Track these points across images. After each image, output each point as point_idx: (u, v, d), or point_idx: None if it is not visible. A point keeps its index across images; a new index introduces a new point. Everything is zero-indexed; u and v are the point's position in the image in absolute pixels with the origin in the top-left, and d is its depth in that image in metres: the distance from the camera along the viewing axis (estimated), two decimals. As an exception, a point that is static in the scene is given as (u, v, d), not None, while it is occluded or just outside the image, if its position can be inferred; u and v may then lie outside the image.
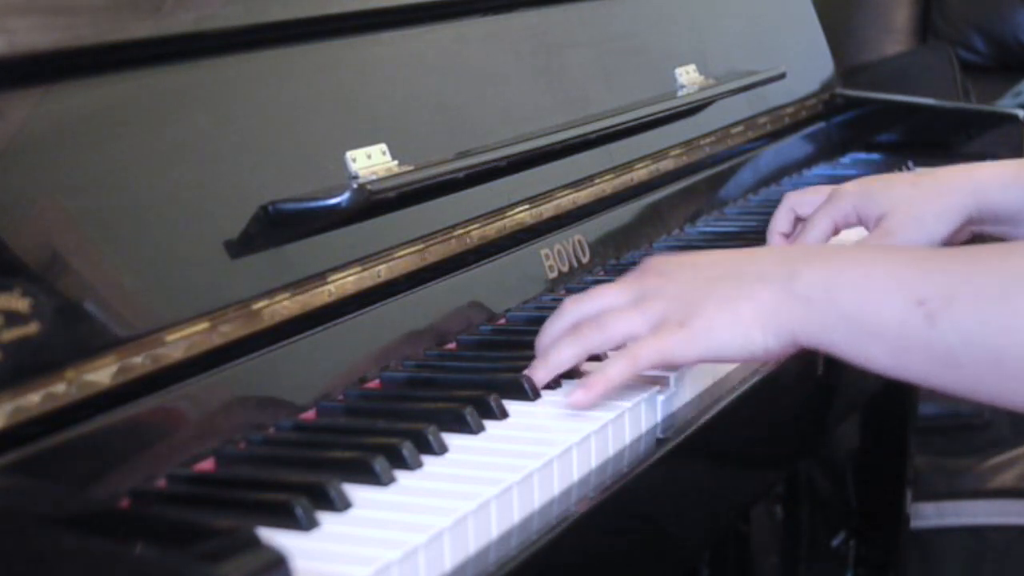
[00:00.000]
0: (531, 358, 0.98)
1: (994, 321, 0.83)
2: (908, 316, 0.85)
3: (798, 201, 1.27)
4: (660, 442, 0.93)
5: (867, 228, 1.24)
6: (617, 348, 0.96)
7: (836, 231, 1.25)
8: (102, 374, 0.82)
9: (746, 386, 1.02)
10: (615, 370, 0.91)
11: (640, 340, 0.92)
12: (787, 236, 1.28)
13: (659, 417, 0.97)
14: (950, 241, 1.24)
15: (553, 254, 1.22)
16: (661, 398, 0.97)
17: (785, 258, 0.93)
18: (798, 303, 0.89)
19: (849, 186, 1.26)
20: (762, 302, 0.90)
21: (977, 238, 1.27)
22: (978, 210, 1.20)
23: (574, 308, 0.97)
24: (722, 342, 0.90)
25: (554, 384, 0.97)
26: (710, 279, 0.93)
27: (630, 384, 0.95)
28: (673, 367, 0.96)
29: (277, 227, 0.97)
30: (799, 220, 1.28)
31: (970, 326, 0.84)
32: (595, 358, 1.00)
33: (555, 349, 0.95)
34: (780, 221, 1.28)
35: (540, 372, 0.96)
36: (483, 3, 1.28)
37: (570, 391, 0.93)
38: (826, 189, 1.27)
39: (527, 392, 0.95)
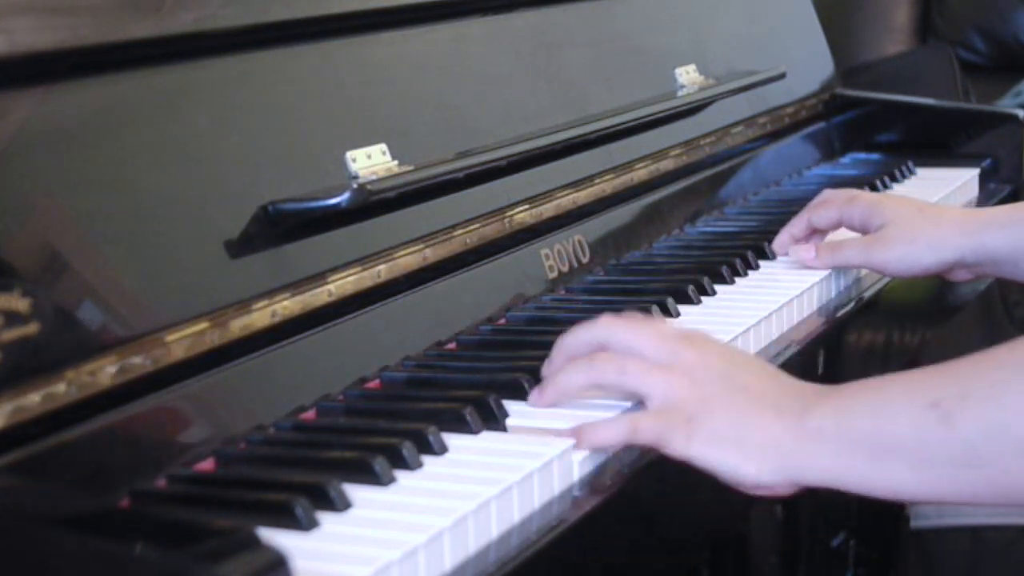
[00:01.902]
0: (531, 358, 0.98)
1: (1012, 408, 0.81)
2: (924, 422, 0.82)
3: (815, 214, 1.31)
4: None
5: (866, 234, 1.28)
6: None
7: (839, 225, 1.30)
8: (102, 374, 0.82)
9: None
10: (613, 433, 0.88)
11: (646, 418, 0.89)
12: (797, 241, 1.32)
13: (659, 417, 0.96)
14: (940, 275, 1.27)
15: (553, 254, 1.22)
16: (661, 398, 0.96)
17: (801, 392, 0.89)
18: (809, 439, 0.86)
19: (866, 195, 1.31)
20: (769, 434, 0.86)
21: (979, 279, 1.31)
22: (972, 250, 1.23)
23: (608, 329, 0.94)
24: (715, 460, 0.87)
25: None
26: (734, 387, 0.89)
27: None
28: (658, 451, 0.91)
29: (277, 227, 0.97)
30: (814, 232, 1.32)
31: (988, 418, 0.81)
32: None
33: (567, 373, 0.93)
34: (796, 227, 1.32)
35: (548, 395, 0.93)
36: (483, 3, 1.28)
37: (574, 428, 0.89)
38: (841, 197, 1.31)
39: (527, 392, 0.95)
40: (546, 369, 0.96)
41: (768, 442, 0.86)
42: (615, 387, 0.91)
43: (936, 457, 0.82)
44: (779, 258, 1.33)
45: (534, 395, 0.95)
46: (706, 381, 0.89)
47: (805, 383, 0.90)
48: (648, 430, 0.88)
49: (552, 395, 0.94)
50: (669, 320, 1.14)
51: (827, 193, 1.33)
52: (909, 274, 1.26)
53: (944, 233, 1.23)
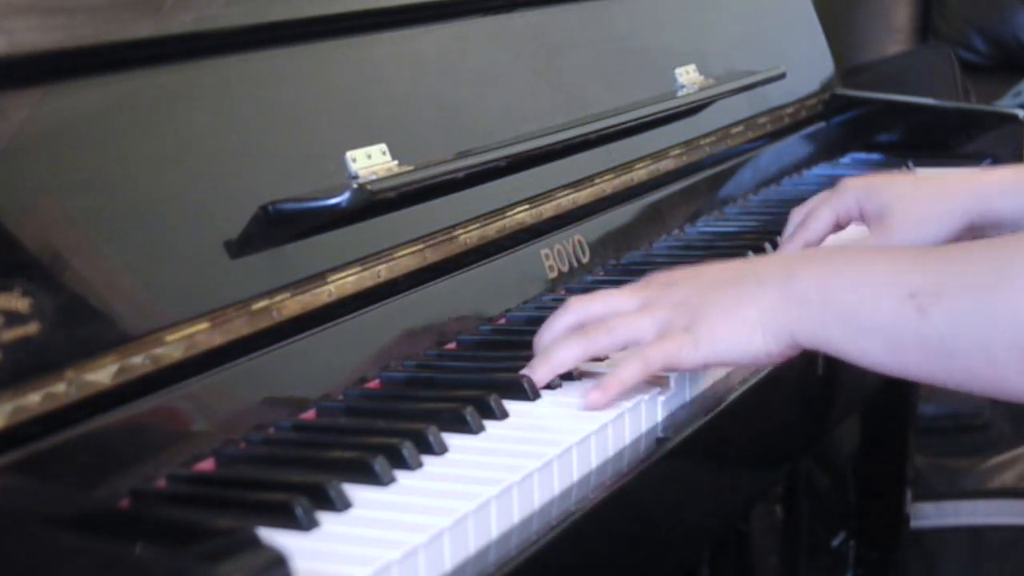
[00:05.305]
0: (531, 358, 0.98)
1: (982, 311, 0.85)
2: (901, 310, 0.87)
3: (810, 232, 1.25)
4: (660, 442, 0.93)
5: (868, 224, 1.25)
6: (619, 351, 0.97)
7: (838, 224, 1.26)
8: (102, 374, 0.82)
9: (746, 386, 1.02)
10: (628, 372, 0.93)
11: (649, 344, 0.93)
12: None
13: (659, 417, 0.97)
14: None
15: (553, 254, 1.22)
16: (662, 398, 0.97)
17: (784, 261, 0.95)
18: (796, 304, 0.91)
19: (853, 181, 1.28)
20: (762, 305, 0.92)
21: None
22: (980, 215, 1.21)
23: (578, 308, 0.98)
24: (726, 347, 0.92)
25: (554, 384, 0.97)
26: (713, 286, 0.95)
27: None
28: (678, 371, 0.97)
29: (277, 227, 0.97)
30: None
31: (959, 316, 0.86)
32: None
33: (558, 348, 0.96)
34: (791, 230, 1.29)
35: (541, 370, 0.96)
36: (483, 3, 1.28)
37: (586, 391, 0.93)
38: (822, 198, 1.27)
39: (527, 392, 0.95)
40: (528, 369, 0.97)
41: (763, 312, 0.92)
42: (608, 347, 0.96)
43: (909, 343, 0.87)
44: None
45: (525, 372, 0.96)
46: (683, 297, 0.95)
47: (782, 255, 0.95)
48: (657, 354, 0.92)
49: (546, 371, 0.96)
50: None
51: (804, 208, 1.27)
52: None
53: (952, 205, 1.22)
